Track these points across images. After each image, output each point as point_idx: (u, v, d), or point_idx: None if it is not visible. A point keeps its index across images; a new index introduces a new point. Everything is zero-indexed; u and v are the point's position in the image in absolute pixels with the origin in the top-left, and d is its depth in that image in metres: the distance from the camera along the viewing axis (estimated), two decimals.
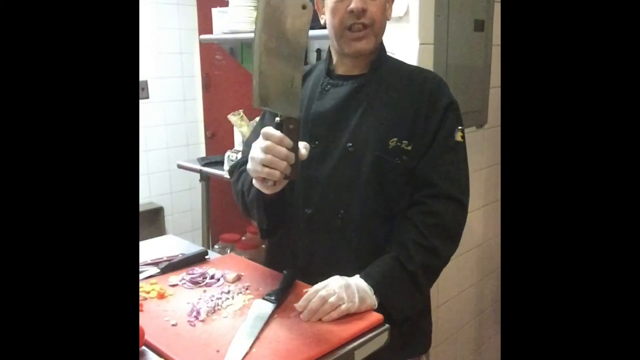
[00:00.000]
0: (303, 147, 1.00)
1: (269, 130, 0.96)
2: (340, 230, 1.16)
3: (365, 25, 1.14)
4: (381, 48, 1.22)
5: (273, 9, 0.91)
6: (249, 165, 1.01)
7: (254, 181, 1.04)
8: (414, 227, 1.11)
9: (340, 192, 1.16)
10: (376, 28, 1.15)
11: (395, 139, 1.13)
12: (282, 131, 0.95)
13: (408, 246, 1.09)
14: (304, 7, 0.93)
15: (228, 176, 2.16)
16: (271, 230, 1.20)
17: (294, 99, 0.95)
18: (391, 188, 1.14)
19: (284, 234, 1.25)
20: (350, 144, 1.15)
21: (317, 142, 1.17)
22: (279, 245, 1.28)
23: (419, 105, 1.15)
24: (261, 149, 0.96)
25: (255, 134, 1.25)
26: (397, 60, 1.26)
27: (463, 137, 1.18)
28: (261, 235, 1.24)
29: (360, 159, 1.14)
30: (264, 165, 0.96)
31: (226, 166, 2.20)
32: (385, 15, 1.18)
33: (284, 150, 0.95)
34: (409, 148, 1.13)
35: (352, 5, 1.12)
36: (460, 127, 1.18)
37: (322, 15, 1.21)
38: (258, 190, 1.06)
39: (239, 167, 1.27)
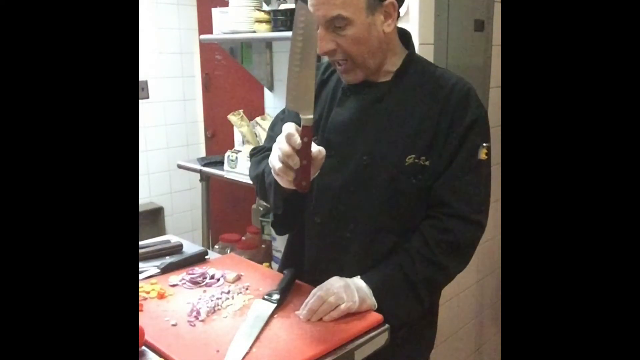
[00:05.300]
0: (318, 151, 0.96)
1: (292, 131, 0.93)
2: (348, 243, 1.13)
3: (344, 60, 1.08)
4: (408, 54, 1.14)
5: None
6: (271, 156, 0.99)
7: (272, 171, 1.01)
8: (423, 239, 1.08)
9: (351, 205, 1.12)
10: (357, 60, 1.07)
11: (413, 155, 1.08)
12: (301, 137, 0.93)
13: (414, 257, 1.07)
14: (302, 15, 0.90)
15: (228, 176, 2.19)
16: (285, 219, 1.16)
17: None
18: (405, 206, 1.10)
19: (295, 240, 1.24)
20: (366, 157, 1.10)
21: (333, 151, 1.12)
22: (290, 250, 1.27)
23: (441, 119, 1.08)
24: (280, 151, 0.94)
25: (279, 121, 1.24)
26: (427, 65, 1.18)
27: (488, 154, 1.12)
28: (273, 225, 1.20)
29: (375, 174, 1.09)
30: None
31: (226, 166, 2.20)
32: (366, 41, 1.05)
33: (297, 160, 0.93)
34: (427, 164, 1.08)
35: (318, 50, 1.03)
36: (485, 145, 1.11)
37: None
38: None
39: (264, 150, 1.24)
